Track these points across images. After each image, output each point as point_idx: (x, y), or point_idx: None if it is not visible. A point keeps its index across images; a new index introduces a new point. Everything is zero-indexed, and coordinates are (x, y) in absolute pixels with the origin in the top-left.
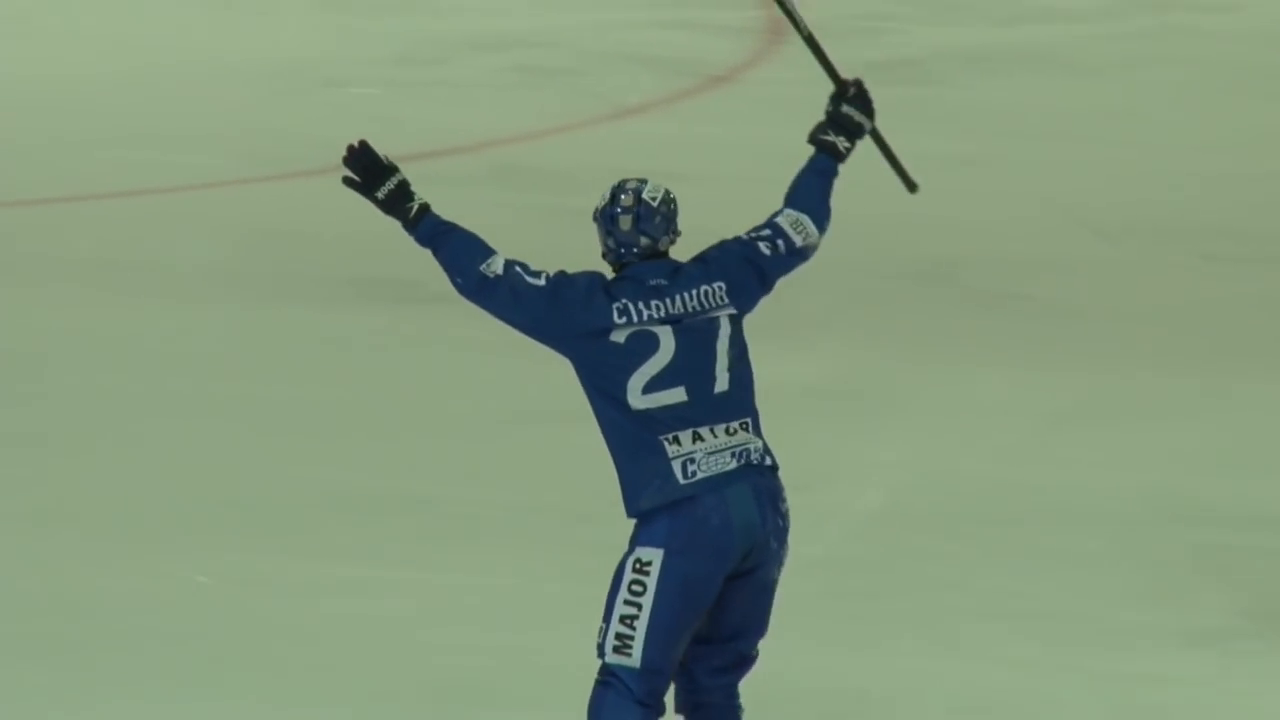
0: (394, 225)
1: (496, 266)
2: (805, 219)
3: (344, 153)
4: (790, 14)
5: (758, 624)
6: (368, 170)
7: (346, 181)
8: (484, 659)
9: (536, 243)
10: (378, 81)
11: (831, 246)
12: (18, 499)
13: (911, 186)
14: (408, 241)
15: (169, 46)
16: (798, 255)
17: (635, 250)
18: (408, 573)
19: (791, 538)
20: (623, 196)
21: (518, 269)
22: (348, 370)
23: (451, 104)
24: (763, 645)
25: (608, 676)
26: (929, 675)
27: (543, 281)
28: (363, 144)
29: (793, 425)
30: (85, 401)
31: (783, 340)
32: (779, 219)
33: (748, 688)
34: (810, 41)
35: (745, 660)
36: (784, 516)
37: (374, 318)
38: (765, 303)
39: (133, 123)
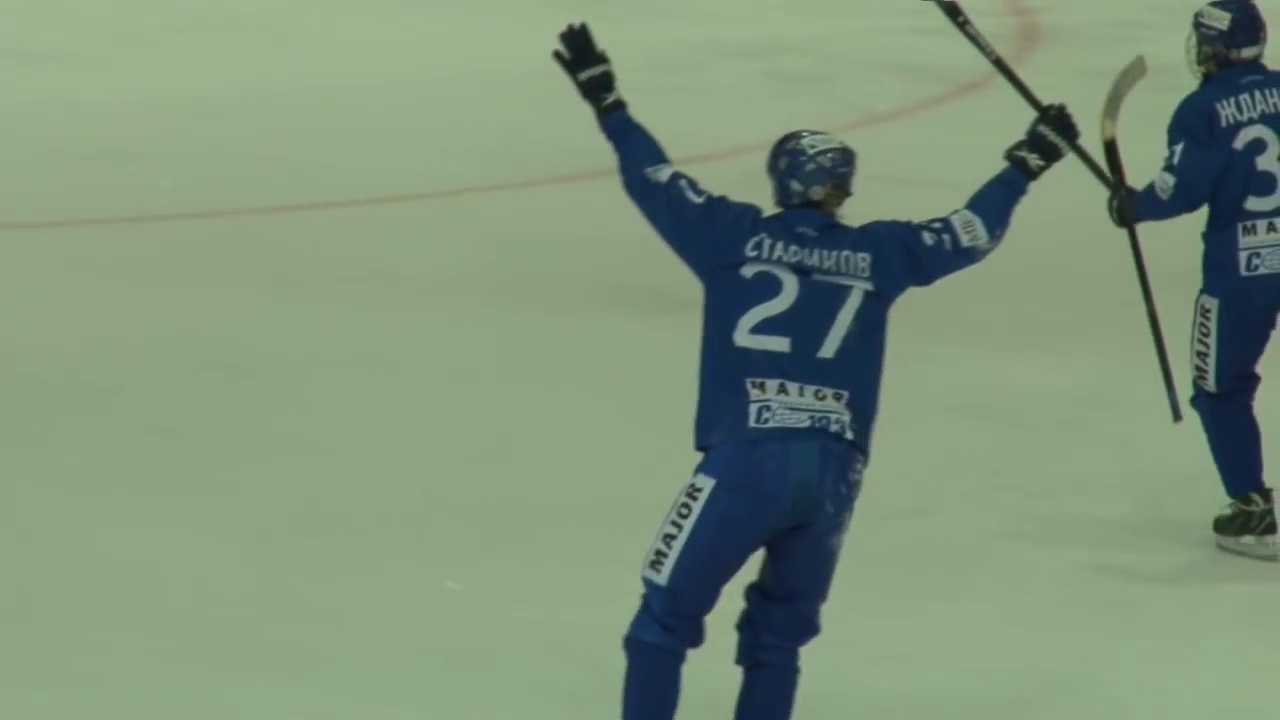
0: (649, 232)
1: (662, 175)
2: (977, 221)
3: (564, 29)
4: (975, 40)
5: (814, 586)
6: (579, 52)
7: (556, 56)
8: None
9: None
10: (631, 88)
11: (1084, 255)
12: (267, 505)
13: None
14: (663, 247)
15: (425, 53)
16: (962, 255)
17: (789, 195)
18: None
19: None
20: (788, 141)
21: (682, 183)
22: (600, 377)
23: (704, 110)
24: (1018, 646)
25: (643, 593)
26: (1180, 680)
27: (701, 199)
28: (583, 26)
29: (1047, 433)
30: (338, 407)
31: (1037, 349)
32: (952, 216)
33: (1003, 685)
34: (1000, 65)
35: (805, 624)
36: (850, 485)
37: (627, 324)
38: (1020, 311)
39: (387, 129)
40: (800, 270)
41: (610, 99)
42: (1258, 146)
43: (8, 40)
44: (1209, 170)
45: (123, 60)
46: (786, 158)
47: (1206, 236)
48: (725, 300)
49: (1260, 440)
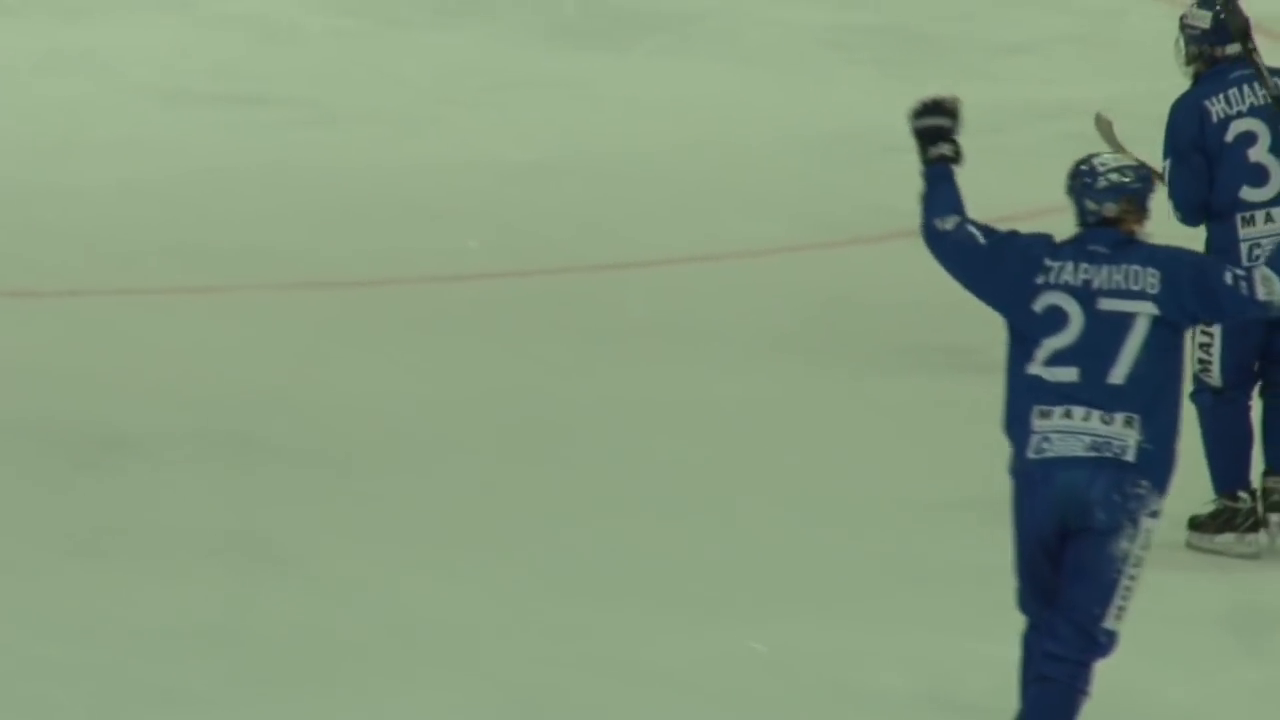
0: (952, 292)
1: (949, 223)
2: (1275, 279)
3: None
4: (1259, 70)
5: (1091, 594)
6: (934, 110)
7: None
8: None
9: None
10: None
11: None
12: (581, 564)
13: None
14: (966, 307)
15: (732, 114)
16: (1254, 304)
17: (1086, 214)
18: (978, 645)
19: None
20: (1083, 163)
21: (969, 228)
22: (904, 438)
23: (1006, 171)
24: None
25: None
26: None
27: (988, 240)
28: (954, 99)
29: None
30: (642, 467)
31: None
32: (1254, 268)
33: None
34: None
35: (1085, 637)
36: (1125, 495)
37: (930, 385)
38: None
39: (696, 190)
40: (1088, 293)
41: (935, 152)
42: (1249, 139)
43: (320, 101)
44: (1198, 186)
45: (432, 121)
46: (1081, 178)
47: (1207, 228)
48: (1020, 335)
49: (1253, 438)
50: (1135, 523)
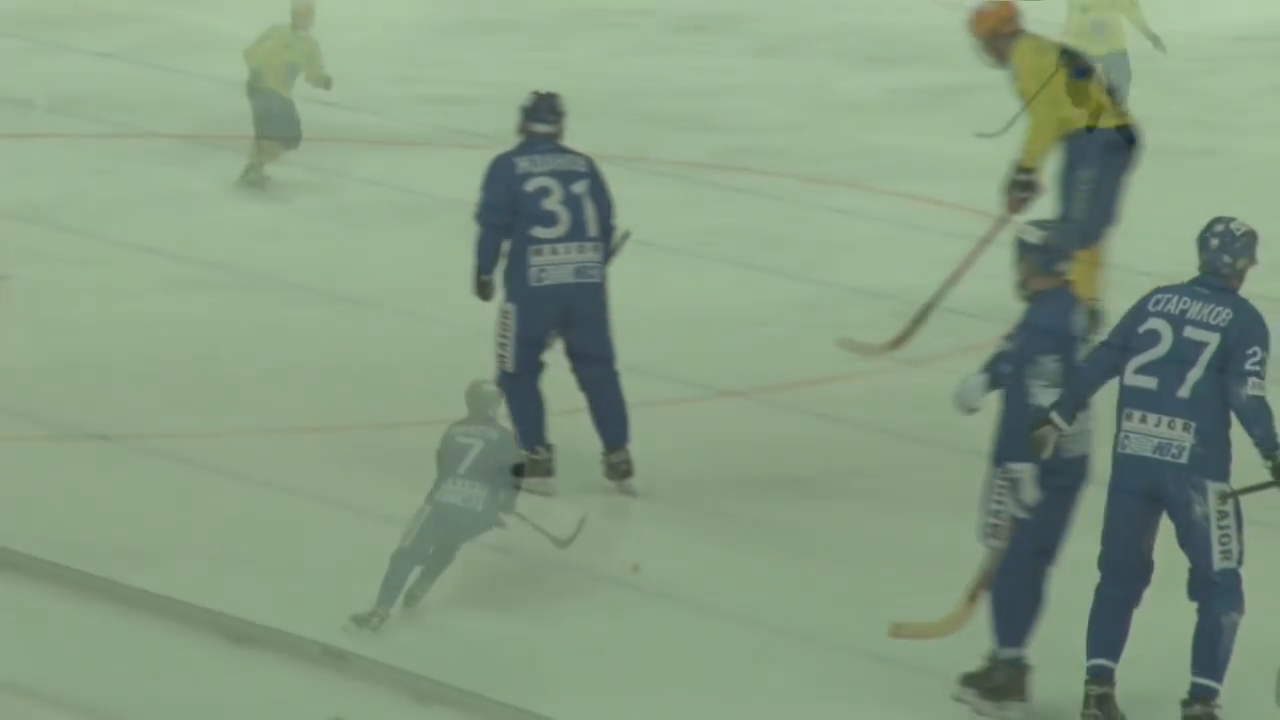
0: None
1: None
2: (1266, 407)
3: None
4: None
5: (1197, 551)
6: None
7: None
8: None
9: None
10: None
11: None
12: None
13: None
14: (796, 444)
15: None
16: (1236, 394)
17: (1204, 264)
18: None
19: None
20: (1215, 222)
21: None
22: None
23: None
24: None
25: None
26: None
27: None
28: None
29: None
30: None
31: None
32: (1262, 384)
33: None
34: None
35: (1206, 584)
36: (1184, 478)
37: (775, 509)
38: None
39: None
40: (1180, 320)
41: None
42: (544, 192)
43: (300, 286)
44: (502, 206)
45: (387, 302)
46: (1217, 239)
47: (508, 257)
48: (1126, 351)
49: (537, 404)
50: (1201, 491)
